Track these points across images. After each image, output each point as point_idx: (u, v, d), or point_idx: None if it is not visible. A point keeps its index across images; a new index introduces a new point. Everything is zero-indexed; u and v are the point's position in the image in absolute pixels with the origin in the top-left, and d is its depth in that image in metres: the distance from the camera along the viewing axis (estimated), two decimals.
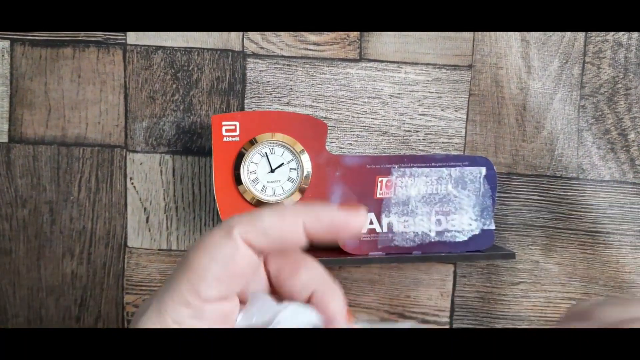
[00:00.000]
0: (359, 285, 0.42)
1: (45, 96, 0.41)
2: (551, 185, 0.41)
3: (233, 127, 0.38)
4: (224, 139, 0.38)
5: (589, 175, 0.41)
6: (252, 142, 0.38)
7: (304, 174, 0.38)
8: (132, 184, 0.41)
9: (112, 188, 0.41)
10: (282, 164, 0.38)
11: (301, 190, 0.38)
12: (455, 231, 0.39)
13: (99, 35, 0.40)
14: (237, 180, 0.38)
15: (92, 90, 0.41)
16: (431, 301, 0.42)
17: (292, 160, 0.38)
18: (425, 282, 0.42)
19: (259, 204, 0.38)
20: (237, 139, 0.38)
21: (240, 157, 0.38)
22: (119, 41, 0.41)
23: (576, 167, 0.41)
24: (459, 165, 0.39)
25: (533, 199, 0.41)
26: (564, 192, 0.41)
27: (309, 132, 0.38)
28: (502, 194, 0.41)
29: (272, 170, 0.38)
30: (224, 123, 0.38)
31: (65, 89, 0.41)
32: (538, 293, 0.42)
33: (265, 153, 0.38)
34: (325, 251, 0.39)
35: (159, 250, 0.42)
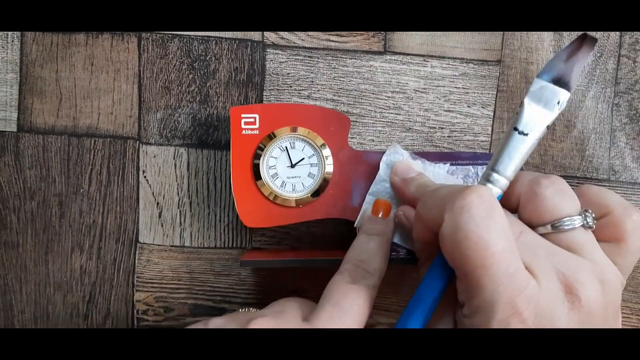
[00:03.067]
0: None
1: (56, 84, 0.39)
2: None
3: (252, 120, 0.36)
4: (243, 131, 0.36)
5: (620, 177, 0.40)
6: (272, 136, 0.36)
7: (325, 170, 0.36)
8: (145, 177, 0.40)
9: (124, 181, 0.40)
10: (303, 159, 0.37)
11: (322, 187, 0.36)
12: None
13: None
14: (256, 175, 0.36)
15: (105, 79, 0.39)
16: None
17: (313, 155, 0.37)
18: None
19: (276, 199, 0.36)
20: (257, 132, 0.36)
21: (259, 151, 0.36)
22: None
23: (607, 168, 0.40)
24: (486, 164, 0.37)
25: None
26: None
27: (332, 126, 0.37)
28: None
29: (293, 166, 0.37)
30: (243, 115, 0.36)
31: (77, 77, 0.39)
32: None
33: (286, 147, 0.36)
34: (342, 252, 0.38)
35: (172, 246, 0.40)
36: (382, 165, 0.36)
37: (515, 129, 0.27)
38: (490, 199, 0.25)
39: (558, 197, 0.27)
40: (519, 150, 0.27)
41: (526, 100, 0.27)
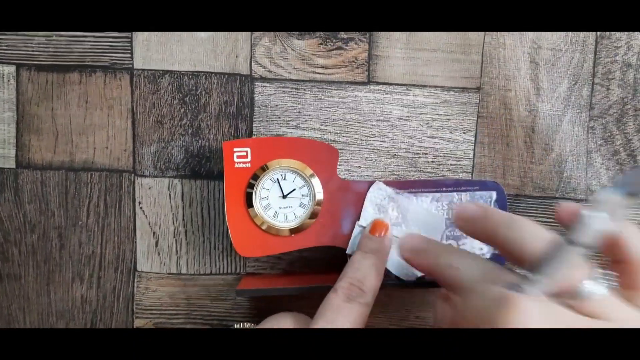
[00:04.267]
0: None
1: (52, 121, 0.40)
2: None
3: (244, 154, 0.38)
4: (236, 165, 0.38)
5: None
6: (264, 168, 0.38)
7: (316, 200, 0.38)
8: (141, 208, 0.41)
9: (120, 213, 0.41)
10: (294, 189, 0.38)
11: (313, 216, 0.38)
12: None
13: (106, 60, 0.40)
14: (249, 206, 0.38)
15: (100, 115, 0.41)
16: None
17: (304, 186, 0.38)
18: None
19: (270, 229, 0.38)
20: (249, 165, 0.38)
21: (252, 182, 0.38)
22: (126, 66, 0.40)
23: (585, 188, 0.42)
24: (469, 190, 0.39)
25: (542, 221, 0.41)
26: None
27: (321, 158, 0.38)
28: None
29: (284, 196, 0.38)
30: (235, 149, 0.38)
31: (72, 114, 0.40)
32: None
33: (277, 179, 0.38)
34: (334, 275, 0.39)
35: (169, 274, 0.42)
36: (367, 203, 0.38)
37: (572, 242, 0.26)
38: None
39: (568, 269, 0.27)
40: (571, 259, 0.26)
41: (586, 213, 0.26)
